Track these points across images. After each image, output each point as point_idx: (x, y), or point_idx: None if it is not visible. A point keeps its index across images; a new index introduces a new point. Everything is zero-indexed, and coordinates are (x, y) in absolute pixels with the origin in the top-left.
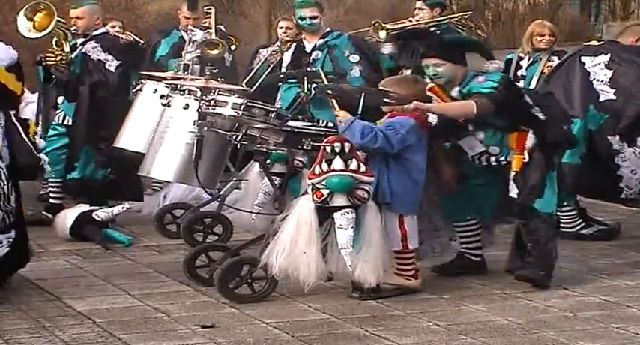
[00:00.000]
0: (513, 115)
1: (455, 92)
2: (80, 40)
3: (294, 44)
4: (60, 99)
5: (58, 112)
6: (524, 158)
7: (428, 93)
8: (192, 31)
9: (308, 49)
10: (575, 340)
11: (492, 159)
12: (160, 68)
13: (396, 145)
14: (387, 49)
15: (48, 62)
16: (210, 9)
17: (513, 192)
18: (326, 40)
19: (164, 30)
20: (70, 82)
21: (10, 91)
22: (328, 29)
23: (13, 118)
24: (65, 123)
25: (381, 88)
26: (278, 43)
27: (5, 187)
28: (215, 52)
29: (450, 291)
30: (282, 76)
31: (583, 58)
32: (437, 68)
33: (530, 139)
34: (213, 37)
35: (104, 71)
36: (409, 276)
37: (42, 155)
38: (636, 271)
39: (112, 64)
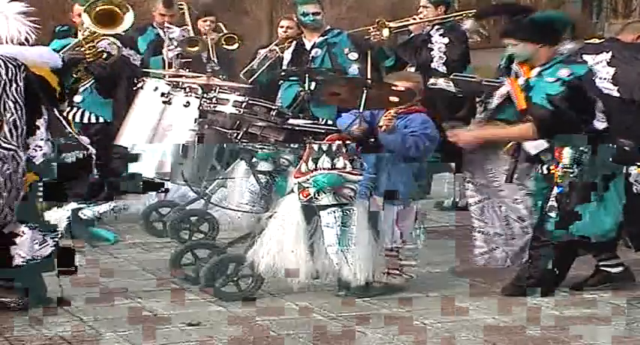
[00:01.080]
0: (564, 130)
1: (534, 72)
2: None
3: (294, 42)
4: (78, 98)
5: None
6: (557, 173)
7: (506, 81)
8: (169, 28)
9: (308, 46)
10: (563, 339)
11: (544, 167)
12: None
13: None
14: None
15: (88, 59)
16: (182, 5)
17: (553, 211)
18: (325, 37)
19: (138, 28)
20: (109, 78)
21: (51, 88)
22: (328, 27)
23: (57, 113)
24: (85, 121)
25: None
26: (276, 42)
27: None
28: (195, 48)
29: (438, 289)
30: (283, 74)
31: (584, 57)
32: (511, 48)
33: (566, 153)
34: (191, 34)
35: (131, 66)
36: (397, 273)
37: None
38: (633, 269)
39: (136, 58)
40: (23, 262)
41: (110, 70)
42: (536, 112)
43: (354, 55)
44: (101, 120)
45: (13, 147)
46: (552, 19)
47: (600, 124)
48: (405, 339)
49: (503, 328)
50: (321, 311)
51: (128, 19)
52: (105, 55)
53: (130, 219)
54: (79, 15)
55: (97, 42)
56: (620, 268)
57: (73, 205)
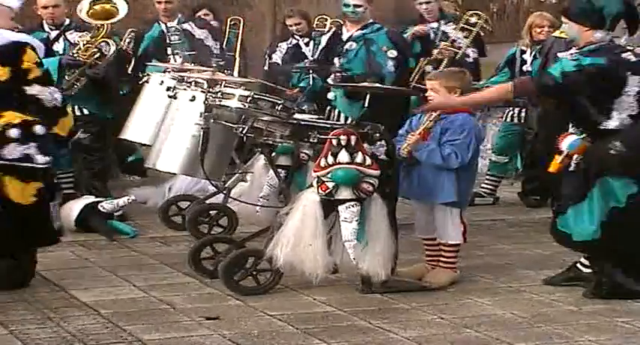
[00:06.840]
0: (567, 108)
1: (567, 54)
2: (55, 32)
3: (334, 28)
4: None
5: None
6: (558, 161)
7: None
8: None
9: (344, 37)
10: (580, 334)
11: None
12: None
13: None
14: None
15: (84, 61)
16: None
17: None
18: (364, 32)
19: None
20: (106, 77)
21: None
22: (370, 21)
23: None
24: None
25: (428, 80)
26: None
27: None
28: None
29: (455, 284)
30: (298, 67)
31: None
32: (564, 25)
33: (566, 141)
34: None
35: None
36: (455, 268)
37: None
38: None
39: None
40: None
41: (104, 73)
42: (543, 78)
43: (392, 53)
44: (85, 112)
45: None
46: (602, 4)
47: (612, 122)
48: (423, 334)
49: (508, 322)
50: (340, 306)
51: (122, 8)
52: (98, 55)
53: (149, 213)
54: (55, 6)
55: (97, 44)
56: (590, 270)
57: (91, 198)
